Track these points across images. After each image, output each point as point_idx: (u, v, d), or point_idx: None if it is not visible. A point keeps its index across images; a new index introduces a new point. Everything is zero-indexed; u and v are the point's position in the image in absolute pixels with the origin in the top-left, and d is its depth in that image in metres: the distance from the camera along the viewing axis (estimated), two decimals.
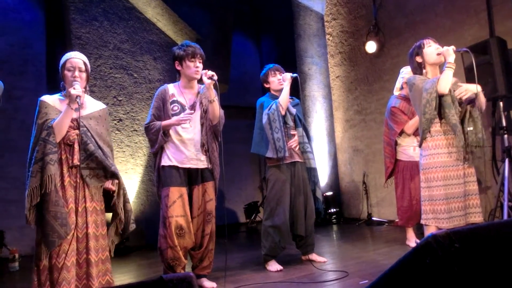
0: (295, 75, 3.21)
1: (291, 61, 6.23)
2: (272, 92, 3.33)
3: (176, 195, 2.64)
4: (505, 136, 3.62)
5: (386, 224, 5.04)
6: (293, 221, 3.21)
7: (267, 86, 3.37)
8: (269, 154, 3.16)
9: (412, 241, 3.51)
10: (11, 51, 5.02)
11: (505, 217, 3.44)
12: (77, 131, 2.27)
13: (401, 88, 3.58)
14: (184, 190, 2.69)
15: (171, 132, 2.73)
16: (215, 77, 2.66)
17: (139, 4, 5.15)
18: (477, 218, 2.53)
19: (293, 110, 3.25)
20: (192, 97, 2.78)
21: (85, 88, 2.38)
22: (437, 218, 2.51)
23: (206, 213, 2.74)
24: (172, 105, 2.74)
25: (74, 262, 2.16)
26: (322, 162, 5.95)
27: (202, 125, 2.75)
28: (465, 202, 2.53)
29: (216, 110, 2.70)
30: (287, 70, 3.36)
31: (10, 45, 5.03)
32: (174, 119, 2.65)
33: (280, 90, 3.21)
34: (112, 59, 4.95)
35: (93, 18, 4.86)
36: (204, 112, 2.76)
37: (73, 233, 2.18)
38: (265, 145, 3.18)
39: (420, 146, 2.63)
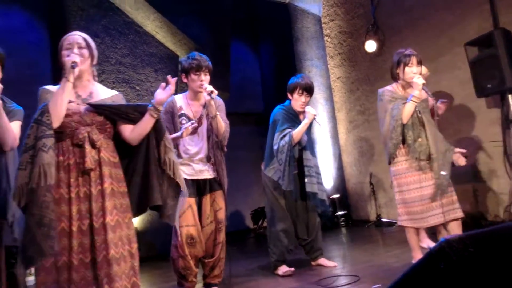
0: (318, 124, 3.19)
1: (290, 65, 6.22)
2: (293, 106, 3.26)
3: (185, 205, 2.65)
4: None
5: (396, 224, 4.99)
6: (294, 224, 3.22)
7: (290, 97, 3.27)
8: (269, 172, 3.19)
9: (424, 241, 3.45)
10: (18, 71, 5.06)
11: None
12: (87, 128, 1.81)
13: None
14: (192, 201, 2.70)
15: (179, 146, 2.74)
16: (214, 94, 2.61)
17: (138, 18, 5.19)
18: (458, 214, 2.73)
19: (305, 140, 3.18)
20: (199, 110, 2.78)
21: (92, 72, 1.98)
22: (413, 219, 2.76)
23: (217, 222, 2.76)
24: (180, 119, 2.74)
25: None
26: (327, 164, 5.92)
27: (208, 138, 2.76)
28: (422, 206, 2.73)
29: (220, 125, 2.70)
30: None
31: (17, 65, 5.07)
32: (179, 132, 2.62)
33: (299, 112, 3.19)
34: (115, 73, 4.99)
35: (94, 35, 4.90)
36: (211, 125, 2.75)
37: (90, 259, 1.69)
38: (270, 161, 3.20)
39: (389, 163, 2.86)
